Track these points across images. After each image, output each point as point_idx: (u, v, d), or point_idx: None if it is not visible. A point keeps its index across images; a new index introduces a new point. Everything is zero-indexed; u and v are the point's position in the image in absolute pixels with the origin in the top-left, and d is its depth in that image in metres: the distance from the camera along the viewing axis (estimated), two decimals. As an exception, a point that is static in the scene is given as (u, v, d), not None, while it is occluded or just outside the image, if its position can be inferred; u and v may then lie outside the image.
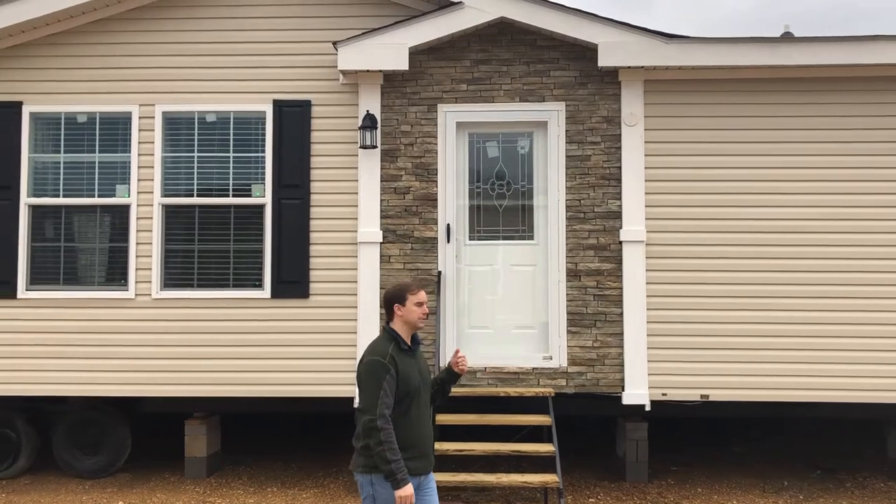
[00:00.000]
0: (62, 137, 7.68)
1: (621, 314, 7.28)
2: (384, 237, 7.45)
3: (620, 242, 7.31)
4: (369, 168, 7.45)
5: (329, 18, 7.61)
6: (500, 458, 6.44)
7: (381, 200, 7.47)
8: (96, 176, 7.64)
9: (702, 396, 7.22)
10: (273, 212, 7.51)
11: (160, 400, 7.67)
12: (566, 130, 7.42)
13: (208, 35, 7.65)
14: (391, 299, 4.09)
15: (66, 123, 7.69)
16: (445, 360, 7.12)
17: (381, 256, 7.44)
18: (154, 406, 7.85)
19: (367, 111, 7.40)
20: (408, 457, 3.87)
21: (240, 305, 7.49)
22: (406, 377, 3.94)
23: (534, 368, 7.30)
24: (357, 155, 7.48)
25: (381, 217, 7.46)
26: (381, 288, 7.41)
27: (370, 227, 7.43)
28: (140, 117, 7.64)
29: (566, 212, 7.37)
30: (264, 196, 7.55)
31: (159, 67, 7.65)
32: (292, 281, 7.46)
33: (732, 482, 7.57)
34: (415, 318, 4.08)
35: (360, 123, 7.35)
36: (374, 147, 7.38)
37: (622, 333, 7.27)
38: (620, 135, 7.37)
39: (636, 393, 7.20)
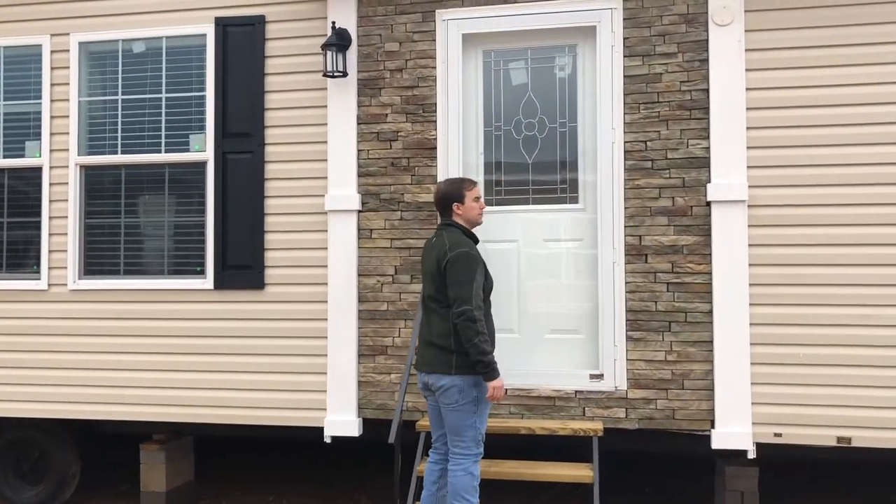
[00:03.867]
0: (-39, 83, 5.95)
1: (710, 312, 4.81)
2: (363, 203, 5.27)
3: (708, 203, 4.82)
4: (341, 105, 5.29)
5: None
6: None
7: (359, 151, 5.29)
8: (1, 131, 5.86)
9: (839, 440, 4.66)
10: (216, 171, 5.48)
11: (82, 422, 5.86)
12: (624, 39, 4.97)
13: (130, -66, 5.70)
14: (448, 198, 4.09)
15: (-35, 64, 5.95)
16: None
17: (358, 230, 5.27)
18: (89, 427, 6.06)
19: (333, 23, 5.21)
20: None
21: (175, 299, 5.53)
22: (486, 272, 4.01)
23: (577, 392, 4.96)
24: (326, 89, 5.33)
25: (359, 175, 5.28)
26: (358, 275, 5.26)
27: (343, 189, 5.27)
28: (52, 51, 5.77)
29: (625, 159, 4.95)
30: (205, 150, 5.53)
31: (72, -17, 5.77)
32: (242, 266, 5.42)
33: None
34: (475, 214, 4.13)
35: (325, 41, 5.19)
36: (345, 74, 5.20)
37: (711, 342, 4.79)
38: (707, 40, 4.86)
39: (733, 432, 4.73)
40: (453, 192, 4.10)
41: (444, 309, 3.95)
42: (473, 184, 4.17)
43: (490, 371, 3.85)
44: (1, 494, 6.20)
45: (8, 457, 6.22)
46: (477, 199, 4.14)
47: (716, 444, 4.75)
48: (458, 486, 3.94)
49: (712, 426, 4.78)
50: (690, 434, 4.87)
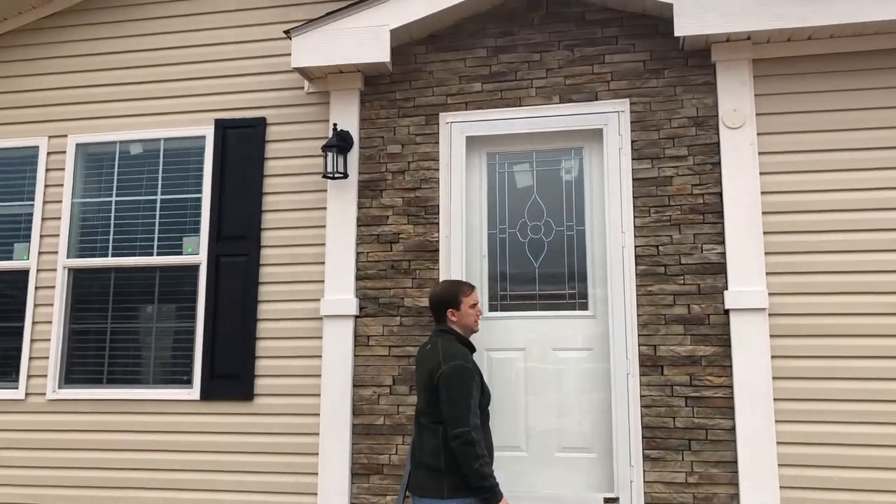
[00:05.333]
0: (-46, 184, 5.82)
1: (732, 429, 4.44)
2: (361, 308, 5.01)
3: (726, 311, 4.54)
4: (341, 207, 5.11)
5: (288, 7, 5.50)
6: None
7: (358, 254, 5.07)
8: (-9, 232, 5.70)
9: (883, 574, 4.20)
10: (209, 274, 5.25)
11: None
12: (632, 142, 4.83)
13: (131, 42, 5.68)
14: (444, 304, 3.84)
15: (-41, 166, 5.84)
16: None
17: (355, 337, 4.98)
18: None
19: (335, 126, 5.11)
20: None
21: (159, 410, 5.18)
22: (482, 384, 3.72)
23: (590, 517, 4.53)
24: (326, 190, 5.17)
25: (357, 278, 5.04)
26: (353, 385, 4.93)
27: (340, 294, 5.02)
28: (49, 153, 5.67)
29: (636, 264, 4.71)
30: (198, 252, 5.32)
31: (73, 87, 5.71)
32: (230, 375, 5.10)
33: None
34: (472, 321, 3.89)
35: (325, 143, 5.06)
36: (345, 176, 5.05)
37: (735, 462, 4.40)
38: (718, 143, 4.71)
39: (765, 565, 4.27)
40: (449, 298, 3.84)
41: (435, 424, 3.63)
42: (471, 288, 3.92)
43: (493, 495, 3.50)
44: None
45: None
46: (474, 305, 3.88)
47: (746, 578, 4.28)
48: None
49: (741, 558, 4.33)
50: (716, 566, 4.41)
